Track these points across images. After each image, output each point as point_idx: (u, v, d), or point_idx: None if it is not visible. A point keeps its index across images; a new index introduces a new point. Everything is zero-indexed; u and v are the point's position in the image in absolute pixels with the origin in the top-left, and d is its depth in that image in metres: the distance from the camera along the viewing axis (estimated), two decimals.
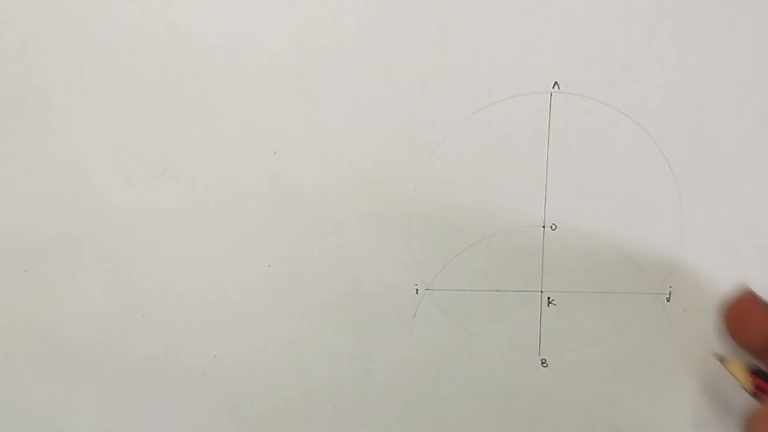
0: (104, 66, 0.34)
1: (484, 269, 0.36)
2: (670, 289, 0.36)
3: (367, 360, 0.37)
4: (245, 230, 0.36)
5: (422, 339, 0.36)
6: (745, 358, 0.33)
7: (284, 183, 0.35)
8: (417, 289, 0.36)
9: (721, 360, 0.34)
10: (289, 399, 0.37)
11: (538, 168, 0.35)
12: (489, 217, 0.35)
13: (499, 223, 0.36)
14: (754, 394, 0.32)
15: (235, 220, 0.35)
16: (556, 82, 0.34)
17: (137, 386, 0.37)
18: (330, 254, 0.36)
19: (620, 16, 0.33)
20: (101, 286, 0.36)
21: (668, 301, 0.36)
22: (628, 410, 0.36)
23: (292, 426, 0.37)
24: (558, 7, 0.33)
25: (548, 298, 0.36)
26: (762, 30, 0.33)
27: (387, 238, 0.36)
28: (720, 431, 0.36)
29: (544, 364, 0.37)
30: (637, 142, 0.34)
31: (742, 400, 0.36)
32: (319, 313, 0.36)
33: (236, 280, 0.36)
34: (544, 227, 0.36)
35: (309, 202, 0.35)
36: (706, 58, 0.34)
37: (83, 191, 0.35)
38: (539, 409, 0.37)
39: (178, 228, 0.36)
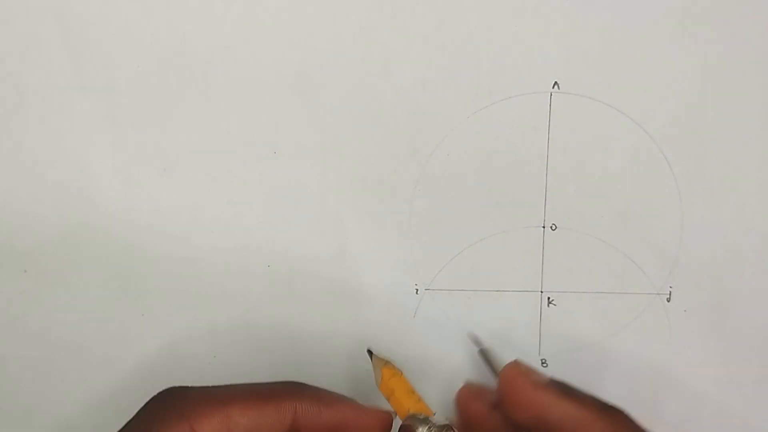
0: (104, 66, 0.34)
1: (484, 269, 0.36)
2: (670, 289, 0.36)
3: (367, 360, 0.37)
4: (245, 230, 0.36)
5: (422, 339, 0.36)
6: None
7: (284, 183, 0.35)
8: (417, 289, 0.36)
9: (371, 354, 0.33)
10: None
11: (538, 168, 0.35)
12: (489, 217, 0.35)
13: (499, 223, 0.36)
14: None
15: (235, 220, 0.35)
16: (556, 82, 0.34)
17: (137, 386, 0.37)
18: (330, 254, 0.36)
19: (620, 16, 0.33)
20: (101, 286, 0.36)
21: (668, 301, 0.36)
22: (627, 410, 0.36)
23: None
24: (558, 7, 0.33)
25: (548, 298, 0.36)
26: (762, 30, 0.33)
27: (387, 238, 0.36)
28: (719, 430, 0.37)
29: (544, 364, 0.37)
30: (637, 142, 0.34)
31: (742, 399, 0.36)
32: (319, 312, 0.36)
33: (236, 280, 0.36)
34: (544, 227, 0.36)
35: (309, 202, 0.35)
36: (706, 58, 0.34)
37: (83, 191, 0.35)
38: None
39: (178, 228, 0.36)
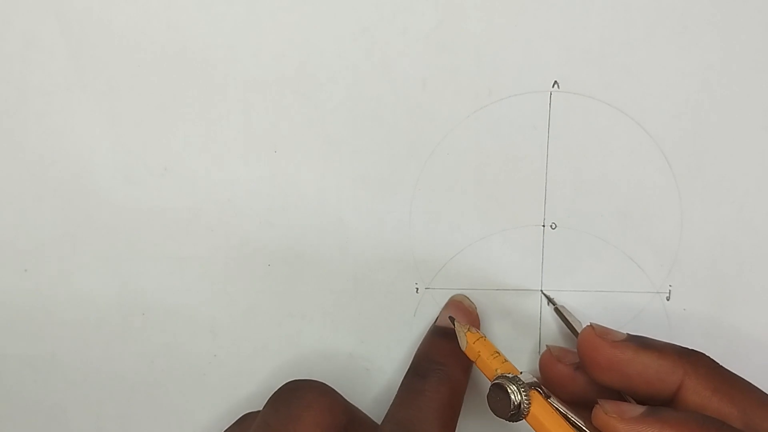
0: (104, 66, 0.34)
1: (483, 268, 0.36)
2: (670, 289, 0.36)
3: (367, 360, 0.37)
4: (245, 230, 0.36)
5: (422, 338, 0.36)
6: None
7: (284, 183, 0.35)
8: (417, 288, 0.36)
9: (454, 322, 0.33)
10: None
11: (537, 167, 0.35)
12: (489, 216, 0.35)
13: (498, 222, 0.36)
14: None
15: (235, 220, 0.35)
16: (555, 81, 0.34)
17: (137, 386, 0.37)
18: (330, 254, 0.36)
19: (620, 16, 0.33)
20: (101, 286, 0.36)
21: (668, 300, 0.36)
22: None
23: None
24: (558, 6, 0.33)
25: (548, 296, 0.36)
26: (762, 30, 0.33)
27: (387, 238, 0.36)
28: None
29: None
30: (637, 142, 0.34)
31: None
32: (319, 312, 0.37)
33: (236, 280, 0.36)
34: (544, 227, 0.36)
35: (309, 202, 0.35)
36: (706, 58, 0.34)
37: (83, 191, 0.35)
38: None
39: (178, 228, 0.36)
